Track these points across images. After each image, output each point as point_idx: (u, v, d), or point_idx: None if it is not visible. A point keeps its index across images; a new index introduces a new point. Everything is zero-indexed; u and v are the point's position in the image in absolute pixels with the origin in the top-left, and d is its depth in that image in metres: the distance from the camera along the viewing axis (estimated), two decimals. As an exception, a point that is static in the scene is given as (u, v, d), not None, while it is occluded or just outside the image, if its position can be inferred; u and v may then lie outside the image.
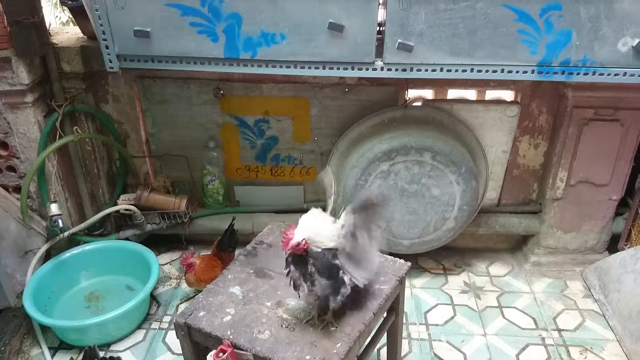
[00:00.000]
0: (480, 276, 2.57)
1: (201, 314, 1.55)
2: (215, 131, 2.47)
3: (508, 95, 2.41)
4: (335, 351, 1.41)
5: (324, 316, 1.50)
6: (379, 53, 1.85)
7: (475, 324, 2.30)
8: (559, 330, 2.26)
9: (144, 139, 2.51)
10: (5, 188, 2.33)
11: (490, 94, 2.43)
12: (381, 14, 1.79)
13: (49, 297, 2.30)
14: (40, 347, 2.16)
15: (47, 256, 2.40)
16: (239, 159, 2.54)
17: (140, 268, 2.37)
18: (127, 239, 2.52)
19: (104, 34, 1.86)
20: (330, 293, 1.43)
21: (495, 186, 2.53)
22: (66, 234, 2.32)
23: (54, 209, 2.20)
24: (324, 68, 1.88)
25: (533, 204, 2.58)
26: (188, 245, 2.72)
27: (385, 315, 1.75)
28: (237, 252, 2.40)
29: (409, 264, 1.73)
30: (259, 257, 1.77)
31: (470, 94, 2.44)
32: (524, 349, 2.18)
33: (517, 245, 2.73)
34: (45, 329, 2.21)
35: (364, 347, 1.67)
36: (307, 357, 1.39)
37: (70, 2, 2.13)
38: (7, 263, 2.27)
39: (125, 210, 2.44)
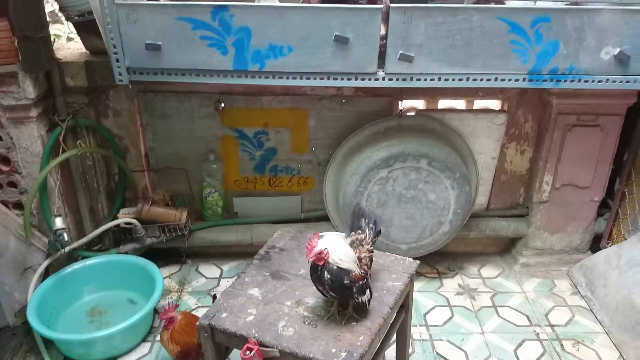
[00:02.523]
0: (473, 278, 2.67)
1: (224, 315, 1.59)
2: (215, 144, 2.52)
3: (495, 104, 2.56)
4: (359, 343, 1.47)
5: (344, 311, 1.56)
6: (381, 64, 1.95)
7: (472, 323, 2.39)
8: (552, 326, 2.37)
9: (143, 153, 2.54)
10: (5, 204, 2.32)
11: (479, 104, 2.57)
12: (383, 27, 1.90)
13: (50, 313, 2.28)
14: (45, 364, 2.14)
15: (45, 274, 2.38)
16: (238, 171, 2.60)
17: (142, 281, 2.38)
18: (126, 253, 2.53)
19: (114, 47, 1.91)
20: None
21: (485, 191, 2.66)
22: (67, 249, 2.32)
23: (58, 222, 2.21)
24: (329, 78, 1.97)
25: (520, 207, 2.72)
26: (186, 259, 2.74)
27: (396, 313, 1.83)
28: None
29: (418, 262, 1.82)
30: (273, 260, 1.83)
31: (460, 104, 2.57)
32: (520, 344, 2.28)
33: (506, 248, 2.85)
34: (48, 345, 2.19)
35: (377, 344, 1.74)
36: (333, 350, 1.45)
37: (76, 18, 2.17)
38: (5, 281, 2.25)
39: (126, 224, 2.46)
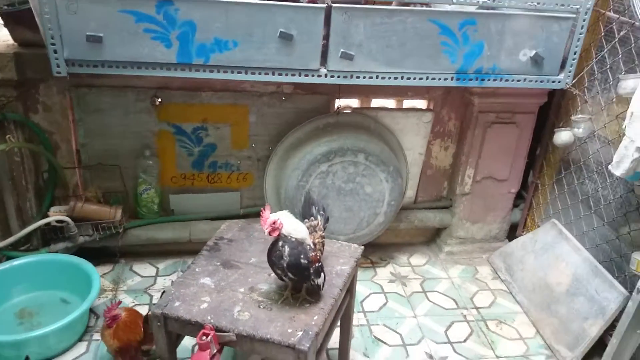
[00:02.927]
0: (403, 267, 2.83)
1: (177, 304, 1.60)
2: (151, 139, 2.49)
3: (422, 103, 2.73)
4: (313, 323, 1.54)
5: (297, 294, 1.63)
6: (323, 61, 2.05)
7: (405, 308, 2.54)
8: (477, 308, 2.57)
9: (74, 149, 2.46)
10: None
11: (408, 103, 2.73)
12: (325, 26, 1.99)
13: (-24, 317, 2.16)
14: (-28, 370, 2.02)
15: (-33, 276, 2.25)
16: (175, 167, 2.58)
17: (75, 280, 2.31)
18: (57, 252, 2.44)
19: (52, 38, 1.86)
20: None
21: (413, 185, 2.82)
22: (-7, 248, 2.21)
23: (-15, 220, 2.09)
24: (273, 74, 2.03)
25: (444, 199, 2.91)
26: (119, 258, 2.68)
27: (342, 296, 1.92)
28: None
29: (362, 247, 1.92)
30: (222, 251, 1.86)
31: (391, 103, 2.72)
32: (450, 326, 2.45)
33: (431, 238, 3.04)
34: (-26, 350, 2.07)
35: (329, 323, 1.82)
36: (289, 330, 1.51)
37: (5, 7, 2.08)
38: None
39: (58, 222, 2.37)
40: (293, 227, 1.55)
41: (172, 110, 2.44)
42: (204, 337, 1.50)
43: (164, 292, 1.72)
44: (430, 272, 2.81)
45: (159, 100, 2.40)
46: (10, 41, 2.23)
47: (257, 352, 1.54)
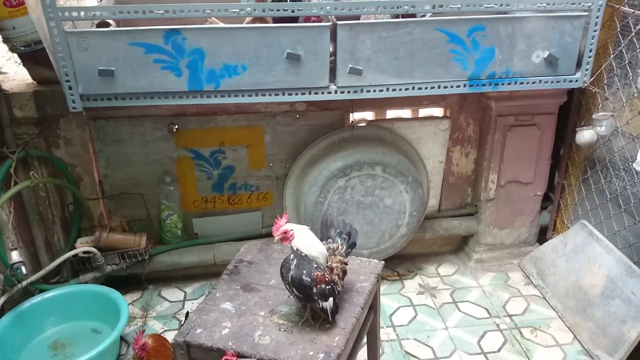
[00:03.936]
0: (431, 277, 2.78)
1: (198, 331, 1.61)
2: (171, 166, 2.53)
3: (439, 111, 2.70)
4: (335, 344, 1.52)
5: (317, 315, 1.61)
6: (332, 78, 2.04)
7: (436, 320, 2.49)
8: (510, 316, 2.51)
9: (97, 180, 2.52)
10: (-45, 242, 2.25)
11: (424, 112, 2.70)
12: (332, 44, 1.99)
13: (11, 351, 2.21)
14: (9, 403, 2.07)
15: (1, 312, 2.30)
16: (196, 191, 2.61)
17: (105, 310, 2.34)
18: (86, 282, 2.49)
19: (67, 75, 1.90)
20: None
21: (435, 194, 2.79)
22: (25, 283, 2.26)
23: (14, 256, 2.15)
24: (283, 94, 2.04)
25: (469, 206, 2.86)
26: (148, 285, 2.72)
27: (366, 313, 1.90)
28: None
29: (383, 262, 1.89)
30: (242, 274, 1.86)
31: (406, 113, 2.70)
32: (483, 335, 2.39)
33: (459, 247, 2.98)
34: (10, 385, 2.12)
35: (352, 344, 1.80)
36: (311, 353, 1.49)
37: (22, 48, 2.14)
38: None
39: (84, 253, 2.42)
40: (304, 242, 1.53)
41: (189, 136, 2.48)
42: (227, 364, 1.50)
43: (187, 314, 1.72)
44: (459, 282, 2.76)
45: (176, 127, 2.44)
46: (30, 80, 2.30)
47: (280, 376, 1.53)
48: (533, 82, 2.13)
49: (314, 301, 1.53)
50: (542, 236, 2.90)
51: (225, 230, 2.69)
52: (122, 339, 2.39)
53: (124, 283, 2.69)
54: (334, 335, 1.56)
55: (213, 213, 2.67)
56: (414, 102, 2.59)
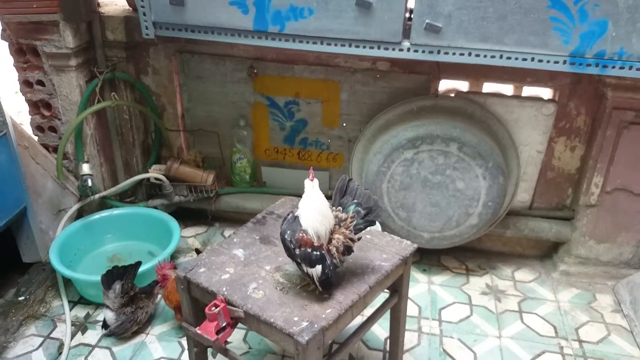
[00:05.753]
0: (504, 280, 2.48)
1: (201, 270, 1.58)
2: (247, 110, 2.51)
3: (546, 93, 2.33)
4: (324, 316, 1.39)
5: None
6: (407, 34, 1.84)
7: (491, 325, 2.22)
8: (580, 341, 2.15)
9: (180, 113, 2.59)
10: (46, 147, 2.47)
11: (527, 91, 2.35)
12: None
13: (74, 254, 2.40)
14: (61, 299, 2.25)
15: (79, 216, 2.50)
16: (268, 140, 2.57)
17: (163, 236, 2.43)
18: (155, 207, 2.60)
19: (142, 1, 1.94)
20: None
21: (528, 188, 2.45)
22: (96, 196, 2.42)
23: (85, 168, 2.30)
24: (350, 46, 1.88)
25: (566, 209, 2.47)
26: (213, 221, 2.77)
27: (388, 296, 1.73)
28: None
29: (415, 245, 1.69)
30: (267, 225, 1.79)
31: (507, 89, 2.37)
32: (539, 355, 2.08)
33: (547, 253, 2.61)
34: (67, 284, 2.30)
35: (360, 322, 1.66)
36: (295, 319, 1.39)
37: (118, -27, 2.24)
38: (42, 219, 2.40)
39: (154, 179, 2.52)
40: (302, 204, 1.44)
41: (267, 82, 2.43)
42: (214, 308, 1.45)
43: (197, 250, 1.70)
44: (534, 291, 2.42)
45: (255, 71, 2.40)
46: (127, 6, 2.40)
47: (263, 334, 1.45)
48: (654, 70, 1.72)
49: (298, 264, 1.41)
50: (651, 261, 2.43)
51: (292, 184, 2.63)
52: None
53: (193, 216, 2.78)
54: (327, 307, 1.43)
55: (282, 165, 2.62)
56: (515, 77, 2.26)
